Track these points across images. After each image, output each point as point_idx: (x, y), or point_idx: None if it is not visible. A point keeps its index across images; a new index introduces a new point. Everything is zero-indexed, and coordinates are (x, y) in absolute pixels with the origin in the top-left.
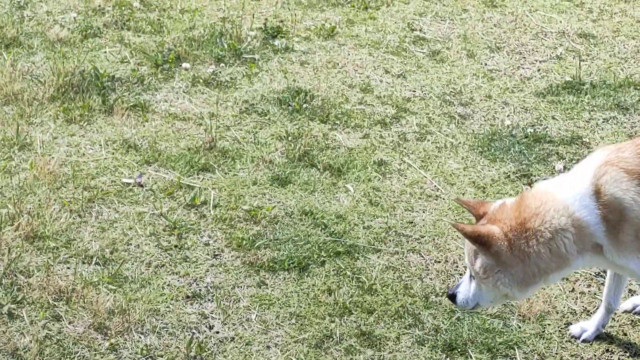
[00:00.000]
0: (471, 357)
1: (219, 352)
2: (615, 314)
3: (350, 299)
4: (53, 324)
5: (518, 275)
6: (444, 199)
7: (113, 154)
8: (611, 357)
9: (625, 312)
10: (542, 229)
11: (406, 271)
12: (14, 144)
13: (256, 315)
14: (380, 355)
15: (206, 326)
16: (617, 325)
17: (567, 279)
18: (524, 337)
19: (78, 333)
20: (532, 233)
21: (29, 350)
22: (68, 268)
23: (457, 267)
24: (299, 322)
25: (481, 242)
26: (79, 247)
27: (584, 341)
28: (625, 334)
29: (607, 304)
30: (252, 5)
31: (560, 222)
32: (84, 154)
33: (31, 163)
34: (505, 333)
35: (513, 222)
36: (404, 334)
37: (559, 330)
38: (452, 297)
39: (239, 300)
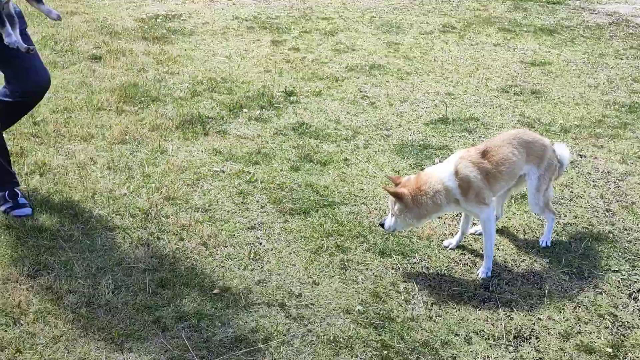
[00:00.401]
0: (393, 257)
1: (265, 257)
2: (465, 235)
3: (331, 229)
4: (182, 243)
5: (416, 214)
6: (378, 177)
7: (208, 155)
8: (464, 254)
9: (471, 234)
10: (429, 191)
11: (359, 214)
12: (158, 151)
13: (283, 237)
14: (347, 257)
15: (258, 243)
16: (467, 241)
17: (442, 218)
18: (420, 247)
19: (192, 245)
20: (424, 193)
21: (170, 255)
22: (186, 213)
23: (385, 212)
24: (305, 240)
25: (398, 197)
26: (192, 203)
27: (450, 249)
28: (471, 245)
29: (462, 229)
30: (278, 80)
31: (438, 187)
32: (193, 156)
33: (167, 160)
34: (410, 245)
35: (414, 187)
36: (359, 246)
37: (437, 244)
38: (382, 225)
39: (274, 230)
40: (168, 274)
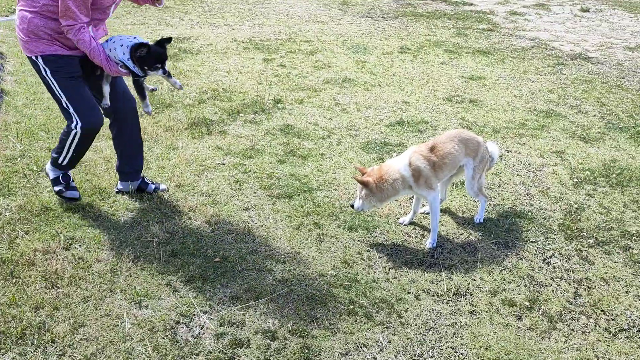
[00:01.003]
0: (359, 232)
1: (257, 232)
2: (416, 214)
3: (310, 209)
4: (189, 222)
5: (379, 197)
6: (348, 168)
7: (212, 151)
8: (415, 229)
9: (421, 213)
10: (389, 179)
11: (333, 198)
12: (170, 147)
13: (271, 216)
14: (322, 232)
15: (251, 220)
16: (418, 219)
17: (397, 200)
18: (380, 224)
19: (198, 223)
20: (385, 181)
21: (180, 231)
22: (193, 197)
23: (353, 196)
24: (289, 219)
25: (364, 184)
26: (197, 189)
27: (404, 225)
28: (421, 222)
29: (414, 209)
30: (268, 90)
31: (396, 176)
32: (199, 151)
33: (178, 155)
34: (373, 222)
35: (377, 176)
36: (332, 223)
37: (394, 221)
38: (352, 206)
39: (264, 210)
40: (178, 246)
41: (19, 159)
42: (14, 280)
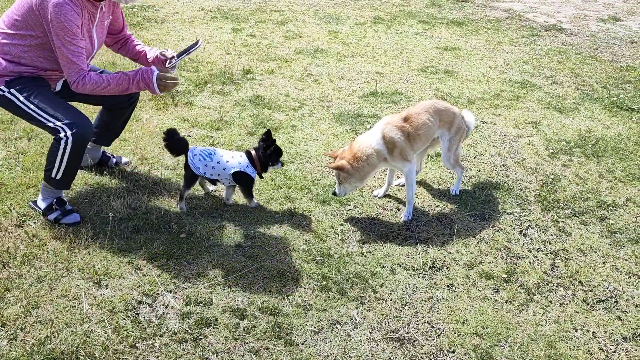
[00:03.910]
0: (332, 205)
1: (225, 207)
2: (391, 186)
3: (281, 182)
4: (153, 196)
5: (358, 177)
6: (319, 140)
7: (178, 123)
8: (390, 202)
9: (396, 185)
10: (363, 156)
11: (304, 170)
12: (133, 119)
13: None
14: (294, 205)
15: (219, 194)
16: (393, 191)
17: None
18: (354, 196)
19: (163, 198)
20: (359, 159)
21: (143, 206)
22: (157, 171)
23: (324, 169)
24: (259, 192)
25: (339, 169)
26: (162, 162)
27: (378, 197)
28: (396, 194)
29: (388, 181)
30: (237, 61)
31: (369, 152)
32: (164, 123)
33: (141, 127)
34: (348, 198)
35: (350, 156)
36: (304, 196)
37: (368, 194)
38: (335, 194)
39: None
40: (141, 222)
41: None
42: None
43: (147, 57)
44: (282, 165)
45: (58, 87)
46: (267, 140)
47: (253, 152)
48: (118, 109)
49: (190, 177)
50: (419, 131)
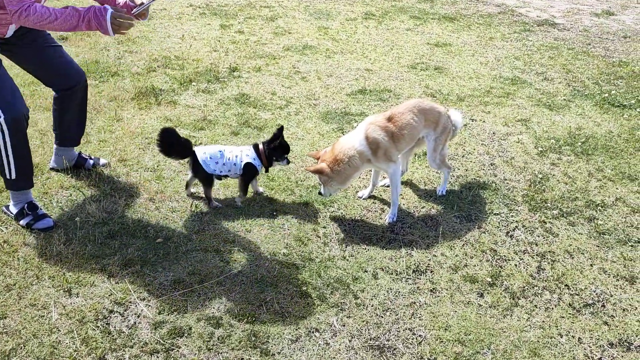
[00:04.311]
0: (315, 207)
1: (205, 210)
2: (375, 187)
3: (263, 183)
4: (131, 199)
5: (339, 180)
6: (305, 139)
7: (160, 123)
8: (374, 203)
9: (381, 186)
10: (344, 159)
11: (288, 170)
12: (114, 119)
13: (221, 192)
14: (275, 207)
15: (199, 197)
16: (377, 192)
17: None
18: (338, 198)
19: (141, 201)
20: (340, 161)
21: (120, 210)
22: (137, 173)
23: (309, 174)
24: (239, 194)
25: (320, 173)
26: (142, 164)
27: (363, 199)
28: (380, 195)
29: (373, 182)
30: (224, 58)
31: (351, 153)
32: (146, 123)
33: (122, 127)
34: (316, 196)
35: (331, 159)
36: (286, 198)
37: (353, 195)
38: (320, 194)
39: (214, 186)
40: (116, 227)
41: None
42: None
43: (117, 2)
44: (289, 162)
45: (9, 33)
46: (278, 135)
47: (261, 145)
48: (66, 90)
49: (206, 178)
50: (403, 131)
